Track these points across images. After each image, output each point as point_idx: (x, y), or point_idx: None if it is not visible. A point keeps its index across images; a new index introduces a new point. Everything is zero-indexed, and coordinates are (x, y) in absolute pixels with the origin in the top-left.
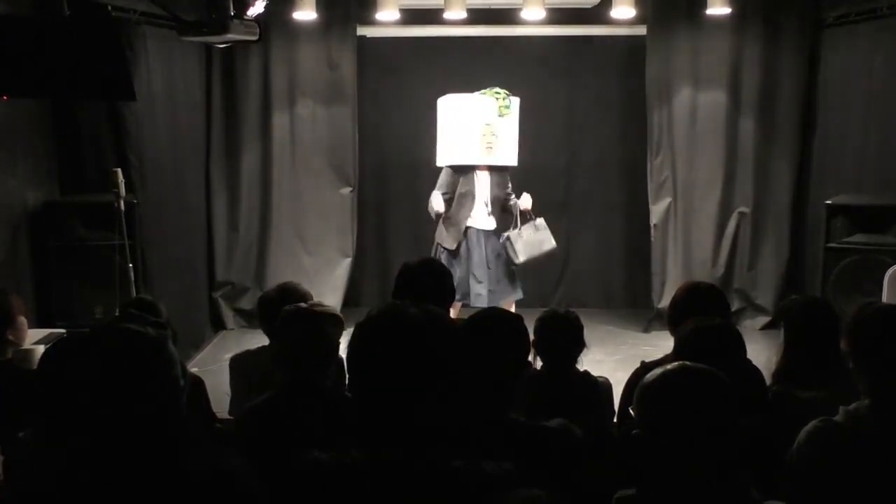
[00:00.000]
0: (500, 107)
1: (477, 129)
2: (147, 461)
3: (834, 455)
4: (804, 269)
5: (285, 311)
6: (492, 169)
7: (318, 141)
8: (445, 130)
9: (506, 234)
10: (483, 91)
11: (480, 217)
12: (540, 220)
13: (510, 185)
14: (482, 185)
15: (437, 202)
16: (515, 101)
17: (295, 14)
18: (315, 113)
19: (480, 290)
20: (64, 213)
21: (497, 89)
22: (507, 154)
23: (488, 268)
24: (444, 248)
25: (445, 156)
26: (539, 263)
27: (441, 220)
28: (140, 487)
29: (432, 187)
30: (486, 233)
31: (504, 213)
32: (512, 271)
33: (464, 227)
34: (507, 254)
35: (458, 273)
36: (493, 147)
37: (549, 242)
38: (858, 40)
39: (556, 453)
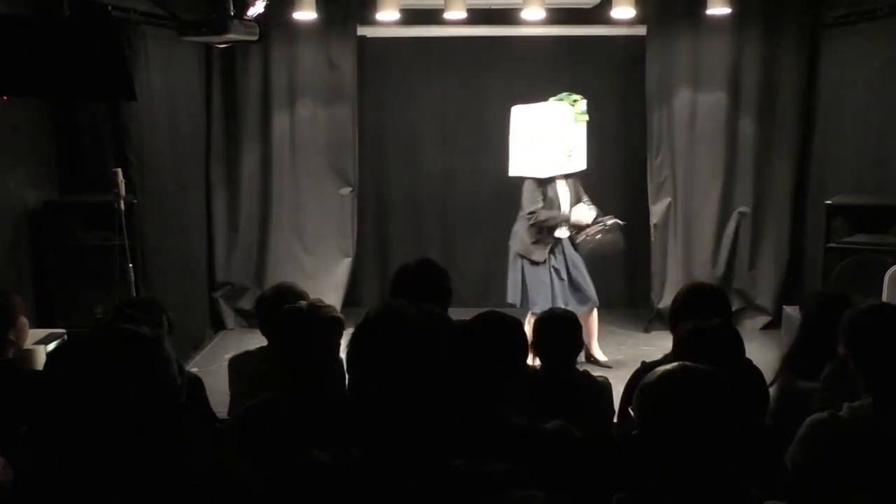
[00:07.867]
0: (576, 113)
1: (555, 140)
2: (145, 461)
3: (835, 447)
4: (804, 269)
5: (284, 311)
6: (567, 175)
7: (318, 141)
8: (521, 141)
9: (580, 237)
10: (559, 97)
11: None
12: (612, 222)
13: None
14: (563, 193)
15: (562, 214)
16: (585, 104)
17: (295, 14)
18: (315, 113)
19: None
20: (64, 213)
21: (573, 95)
22: (580, 159)
23: (568, 275)
24: (530, 260)
25: (523, 166)
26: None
27: (530, 232)
28: (139, 487)
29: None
30: (565, 241)
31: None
32: (582, 281)
33: (555, 239)
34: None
35: (539, 280)
36: (572, 155)
37: (618, 244)
38: (858, 40)
39: (556, 456)
